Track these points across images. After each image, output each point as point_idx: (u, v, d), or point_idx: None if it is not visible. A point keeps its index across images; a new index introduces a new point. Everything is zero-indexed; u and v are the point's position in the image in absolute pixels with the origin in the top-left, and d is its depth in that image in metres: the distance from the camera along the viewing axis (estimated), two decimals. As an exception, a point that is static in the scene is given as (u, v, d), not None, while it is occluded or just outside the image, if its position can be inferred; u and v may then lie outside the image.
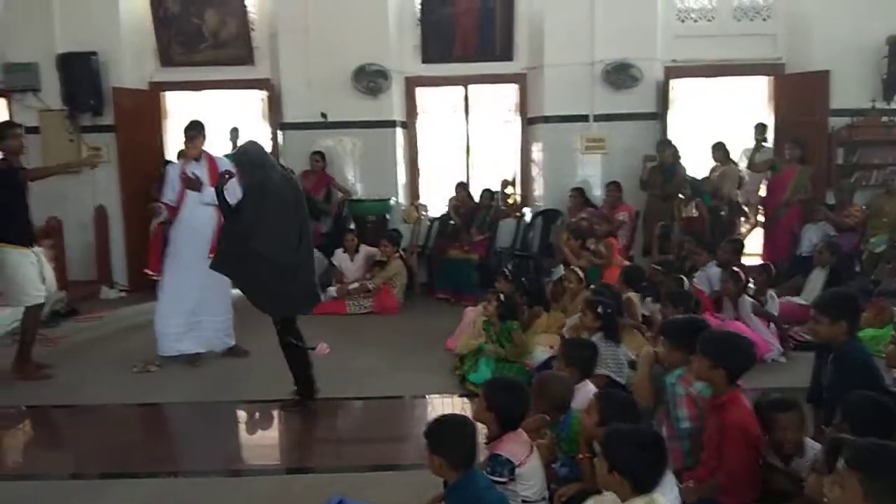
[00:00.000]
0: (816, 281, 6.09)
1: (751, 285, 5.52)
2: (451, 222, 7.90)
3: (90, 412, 4.55)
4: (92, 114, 7.69)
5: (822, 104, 7.54)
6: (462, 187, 8.01)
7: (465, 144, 8.49)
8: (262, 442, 4.29)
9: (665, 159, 7.30)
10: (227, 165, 4.77)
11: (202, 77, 8.13)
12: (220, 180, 4.35)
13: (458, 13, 8.01)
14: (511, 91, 8.35)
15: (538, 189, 8.17)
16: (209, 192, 4.79)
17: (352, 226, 7.73)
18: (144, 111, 8.08)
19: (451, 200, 8.00)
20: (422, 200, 8.32)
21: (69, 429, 4.51)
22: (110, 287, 7.88)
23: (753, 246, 7.58)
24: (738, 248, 6.19)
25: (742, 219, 7.59)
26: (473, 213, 7.81)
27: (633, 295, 4.95)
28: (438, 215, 8.13)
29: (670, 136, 7.69)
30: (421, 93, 8.35)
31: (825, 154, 7.54)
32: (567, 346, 3.57)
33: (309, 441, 4.19)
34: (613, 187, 7.45)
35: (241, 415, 4.50)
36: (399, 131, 8.18)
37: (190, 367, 5.21)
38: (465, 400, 4.43)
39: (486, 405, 2.69)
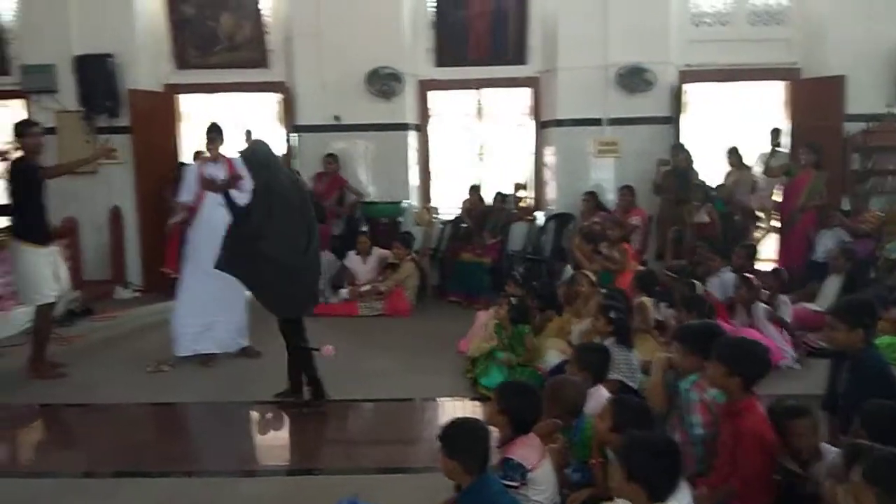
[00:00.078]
0: (831, 287, 6.05)
1: (764, 290, 5.48)
2: (464, 225, 7.91)
3: (104, 411, 4.58)
4: (108, 115, 7.74)
5: (837, 109, 7.47)
6: (475, 190, 8.02)
7: (478, 148, 8.48)
8: (274, 442, 4.32)
9: (679, 163, 7.27)
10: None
11: (217, 79, 8.19)
12: (229, 183, 4.37)
13: (472, 16, 8.02)
14: (524, 94, 8.34)
15: (551, 192, 8.16)
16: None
17: (364, 228, 7.74)
18: (159, 113, 8.14)
19: (463, 203, 8.02)
20: (434, 203, 8.34)
21: (83, 427, 4.54)
22: (124, 287, 7.93)
23: (768, 251, 7.54)
24: (752, 253, 6.16)
25: (756, 224, 7.54)
26: (486, 216, 7.81)
27: (646, 300, 4.93)
28: (451, 218, 8.14)
29: (684, 140, 7.65)
30: (434, 96, 8.36)
31: (840, 159, 7.49)
32: (580, 350, 3.57)
33: (320, 442, 4.21)
34: (626, 191, 7.43)
35: (254, 415, 4.52)
36: (412, 134, 8.19)
37: (203, 367, 5.25)
38: (477, 403, 4.42)
39: (499, 409, 2.69)
